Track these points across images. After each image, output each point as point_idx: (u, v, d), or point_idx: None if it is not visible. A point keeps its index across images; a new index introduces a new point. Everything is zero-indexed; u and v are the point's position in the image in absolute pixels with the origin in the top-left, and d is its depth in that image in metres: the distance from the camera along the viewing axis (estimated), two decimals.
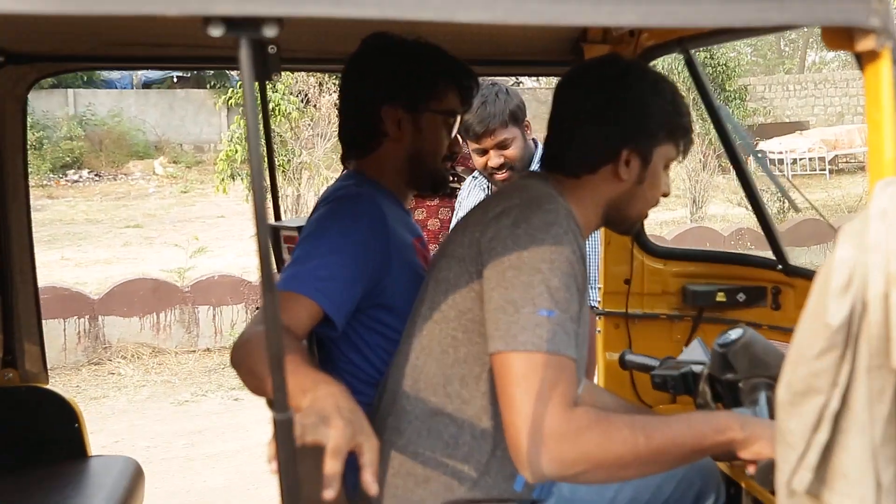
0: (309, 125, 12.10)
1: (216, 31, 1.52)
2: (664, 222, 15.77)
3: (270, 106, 10.56)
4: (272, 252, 3.34)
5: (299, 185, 11.72)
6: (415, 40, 2.60)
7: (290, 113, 11.05)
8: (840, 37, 1.71)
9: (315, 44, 3.04)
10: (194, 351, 9.26)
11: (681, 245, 12.02)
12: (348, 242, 2.38)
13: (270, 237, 3.30)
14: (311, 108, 12.04)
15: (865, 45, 1.70)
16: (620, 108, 2.28)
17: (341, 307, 2.31)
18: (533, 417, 1.92)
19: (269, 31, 1.54)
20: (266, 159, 3.28)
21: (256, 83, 2.74)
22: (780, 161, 20.22)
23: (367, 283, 2.38)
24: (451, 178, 4.69)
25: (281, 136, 11.22)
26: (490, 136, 3.94)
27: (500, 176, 4.01)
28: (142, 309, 9.10)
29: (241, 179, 11.15)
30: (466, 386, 2.16)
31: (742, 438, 2.05)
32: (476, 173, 4.40)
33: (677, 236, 12.48)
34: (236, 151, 10.82)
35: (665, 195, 2.40)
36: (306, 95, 12.10)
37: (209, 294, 9.36)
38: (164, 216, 18.32)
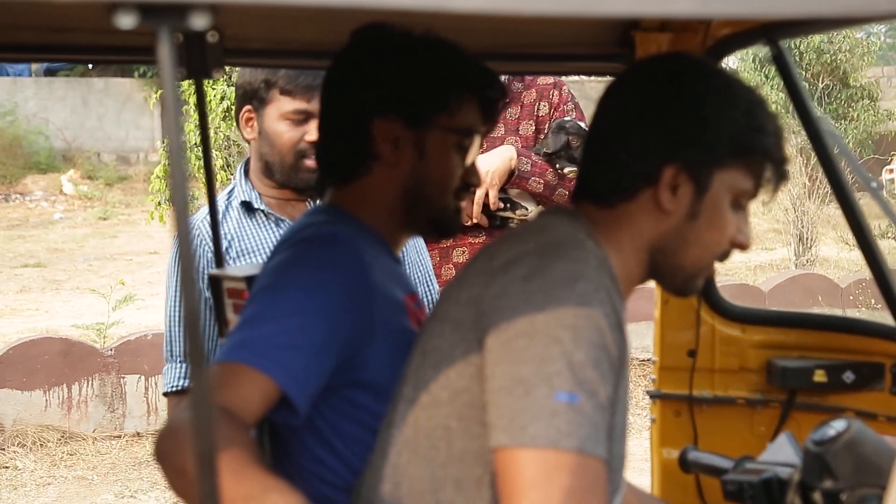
0: None
1: (127, 22, 1.56)
2: (759, 266, 15.76)
3: (225, 105, 10.64)
4: (210, 310, 3.37)
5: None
6: (422, 35, 2.60)
7: None
8: None
9: (278, 31, 3.08)
10: (119, 436, 9.16)
11: (783, 298, 11.97)
12: (316, 300, 2.38)
13: (209, 289, 3.32)
14: None
15: None
16: (666, 113, 2.28)
17: (305, 386, 2.30)
18: None
19: (199, 22, 1.59)
20: (206, 183, 3.31)
21: (187, 82, 2.80)
22: None
23: (340, 354, 2.38)
24: (503, 206, 4.72)
25: (238, 145, 11.26)
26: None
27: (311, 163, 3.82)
28: (47, 379, 9.00)
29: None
30: (463, 493, 2.15)
31: None
32: None
33: (777, 286, 12.42)
34: None
35: (739, 246, 2.37)
36: None
37: (139, 359, 9.27)
38: (76, 251, 18.21)
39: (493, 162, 4.57)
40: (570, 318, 2.04)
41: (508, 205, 4.70)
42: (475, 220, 4.59)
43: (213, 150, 10.67)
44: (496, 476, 2.04)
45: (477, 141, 2.66)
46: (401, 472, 2.21)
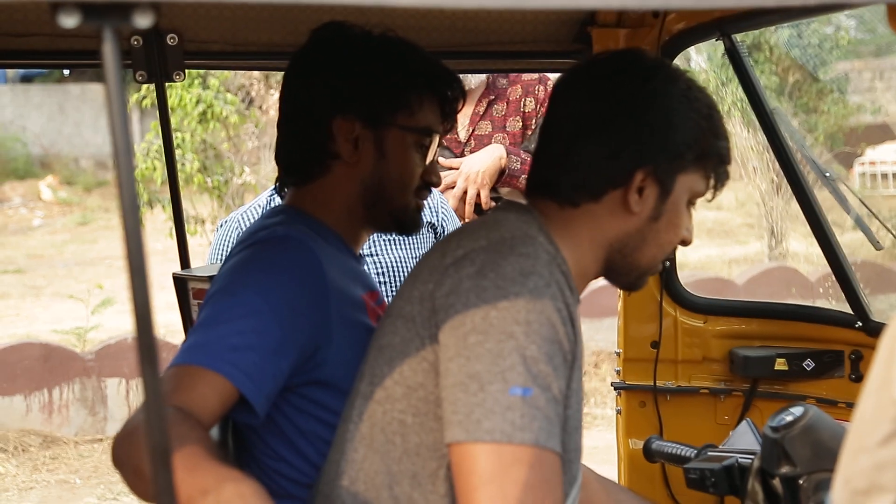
0: (253, 133, 12.05)
1: (70, 21, 1.55)
2: (734, 260, 15.78)
3: (201, 108, 10.61)
4: (180, 311, 3.36)
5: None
6: (381, 34, 2.60)
7: (226, 117, 10.94)
8: None
9: (238, 33, 3.07)
10: (101, 440, 9.07)
11: (757, 291, 11.99)
12: (270, 302, 2.37)
13: (176, 291, 3.32)
14: (255, 111, 12.03)
15: None
16: (639, 116, 2.27)
17: (262, 386, 2.29)
18: None
19: (143, 21, 1.58)
20: (170, 185, 3.31)
21: (149, 85, 2.80)
22: (889, 176, 20.24)
23: (297, 354, 2.38)
24: (495, 205, 4.72)
25: (215, 148, 11.20)
26: None
27: None
28: (28, 384, 8.95)
29: (163, 207, 11.06)
30: (419, 486, 2.15)
31: None
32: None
33: (752, 279, 12.44)
34: (154, 169, 10.70)
35: (685, 243, 2.39)
36: (248, 94, 12.12)
37: (119, 362, 9.20)
38: (56, 257, 18.18)
39: (483, 161, 4.56)
40: (523, 314, 2.04)
41: (500, 204, 4.70)
42: (468, 221, 4.58)
43: (190, 153, 10.65)
44: (453, 471, 2.04)
45: (436, 140, 2.65)
46: (357, 466, 2.21)
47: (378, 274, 3.83)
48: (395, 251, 3.92)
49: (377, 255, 3.89)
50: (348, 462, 2.22)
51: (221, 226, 3.92)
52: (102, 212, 21.53)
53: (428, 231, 3.99)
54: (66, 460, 8.73)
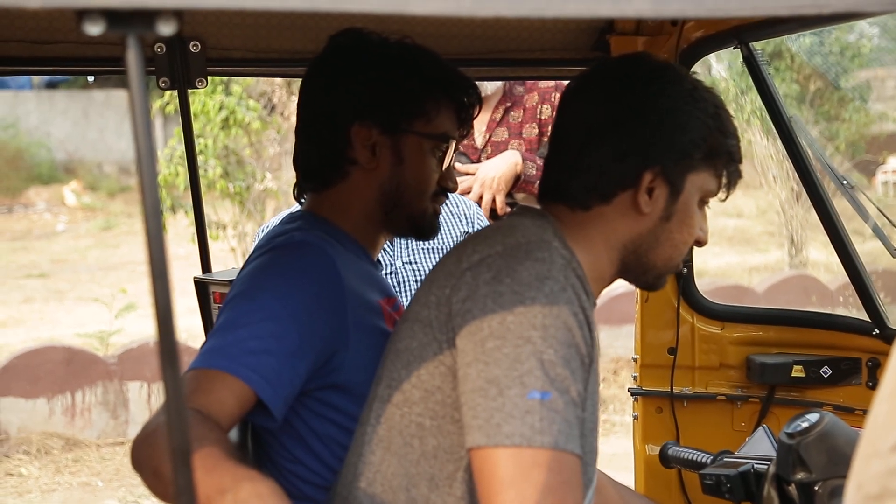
0: (275, 139, 12.04)
1: (94, 28, 1.58)
2: (754, 268, 15.73)
3: (224, 114, 10.62)
4: (201, 314, 3.38)
5: (263, 218, 11.58)
6: (398, 41, 2.61)
7: (248, 123, 10.94)
8: None
9: (260, 40, 3.08)
10: (122, 443, 9.04)
11: (777, 299, 11.92)
12: (288, 306, 2.38)
13: (197, 295, 3.33)
14: (277, 117, 12.03)
15: None
16: (645, 118, 2.28)
17: (279, 390, 2.31)
18: None
19: (166, 28, 1.60)
20: (192, 190, 3.33)
21: (172, 91, 2.81)
22: None
23: (314, 358, 2.39)
24: (510, 211, 4.72)
25: (237, 154, 11.18)
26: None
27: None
28: (51, 387, 8.92)
29: (185, 212, 11.03)
30: (436, 489, 2.16)
31: None
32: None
33: (772, 287, 12.37)
34: (177, 175, 10.68)
35: (699, 243, 2.40)
36: (270, 100, 12.11)
37: (142, 366, 9.17)
38: (79, 262, 18.18)
39: (499, 167, 4.56)
40: (540, 318, 2.04)
41: (515, 209, 4.69)
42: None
43: (212, 159, 10.66)
44: (475, 475, 2.04)
45: (453, 146, 2.66)
46: (375, 469, 2.21)
47: (416, 281, 3.82)
48: (434, 259, 3.91)
49: (416, 262, 3.89)
50: (366, 465, 2.23)
51: (262, 231, 3.92)
52: (125, 217, 21.49)
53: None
54: (88, 463, 8.70)
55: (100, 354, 9.27)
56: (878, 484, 1.82)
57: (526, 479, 1.95)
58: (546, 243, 2.17)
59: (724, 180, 2.35)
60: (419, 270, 3.89)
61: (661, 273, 2.39)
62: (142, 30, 1.57)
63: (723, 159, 2.32)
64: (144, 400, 9.21)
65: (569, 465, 1.99)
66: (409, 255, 3.82)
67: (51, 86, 24.75)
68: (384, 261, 3.74)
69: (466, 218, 3.98)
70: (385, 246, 3.65)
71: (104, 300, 10.60)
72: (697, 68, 3.41)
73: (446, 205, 3.35)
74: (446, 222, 3.84)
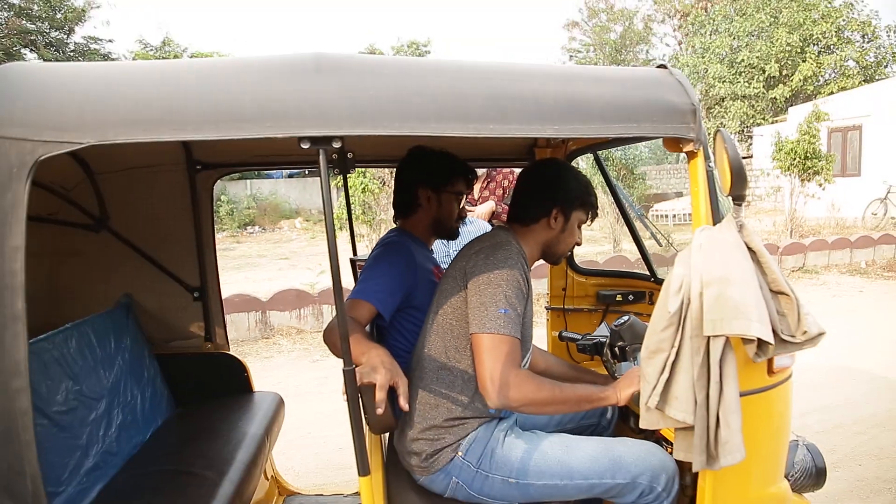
0: (385, 197, 12.08)
1: (305, 145, 1.55)
2: (599, 253, 15.58)
3: (362, 185, 10.60)
4: (352, 275, 3.34)
5: (379, 233, 11.62)
6: (440, 149, 2.55)
7: (373, 190, 11.03)
8: (673, 144, 1.71)
9: (377, 150, 3.05)
10: (320, 331, 8.88)
11: (608, 267, 11.86)
12: (392, 268, 2.33)
13: (350, 266, 3.29)
14: (386, 187, 12.03)
15: (688, 147, 1.70)
16: (553, 185, 2.22)
17: (388, 307, 2.26)
18: (493, 373, 1.90)
19: (336, 145, 1.57)
20: (347, 219, 3.30)
21: (340, 175, 2.76)
22: (666, 216, 19.96)
23: (403, 292, 2.33)
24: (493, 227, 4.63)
25: (367, 203, 11.22)
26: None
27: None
28: (291, 306, 8.78)
29: (342, 229, 11.01)
30: (459, 352, 2.11)
31: (613, 397, 2.03)
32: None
33: (607, 261, 12.21)
34: (342, 213, 10.76)
35: (578, 244, 2.32)
36: (383, 179, 12.11)
37: (329, 298, 8.95)
38: (302, 253, 18.12)
39: (485, 209, 4.50)
40: (505, 275, 2.00)
41: (494, 227, 4.61)
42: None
43: (356, 206, 10.62)
44: (472, 347, 2.00)
45: (464, 197, 2.59)
46: (431, 344, 2.17)
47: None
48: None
49: (453, 253, 3.77)
50: (426, 342, 2.18)
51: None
52: (321, 233, 21.53)
53: None
54: (306, 339, 8.43)
55: (310, 293, 9.19)
56: (655, 345, 1.78)
57: (495, 348, 1.91)
58: (509, 242, 2.12)
59: (589, 215, 2.28)
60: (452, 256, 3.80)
61: (560, 257, 2.32)
62: (326, 146, 1.54)
63: (588, 206, 2.26)
64: (331, 313, 9.04)
65: (515, 343, 1.94)
66: (449, 250, 3.74)
67: (290, 176, 25.23)
68: (445, 251, 3.62)
69: (483, 231, 3.90)
70: (442, 244, 3.57)
71: (312, 269, 10.57)
72: (575, 164, 3.38)
73: (467, 223, 3.29)
74: (468, 234, 3.79)
